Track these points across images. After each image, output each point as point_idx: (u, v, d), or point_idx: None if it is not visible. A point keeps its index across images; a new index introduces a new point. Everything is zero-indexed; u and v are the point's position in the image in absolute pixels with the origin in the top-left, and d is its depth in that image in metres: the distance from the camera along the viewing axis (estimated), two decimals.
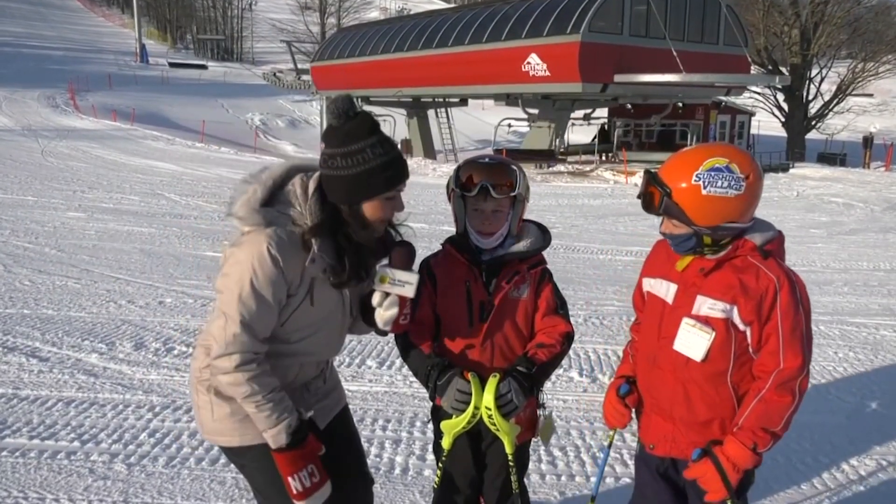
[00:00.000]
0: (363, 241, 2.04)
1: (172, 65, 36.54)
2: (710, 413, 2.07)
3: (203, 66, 36.65)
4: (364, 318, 2.22)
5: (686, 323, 2.04)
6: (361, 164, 1.93)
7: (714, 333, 2.00)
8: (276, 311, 1.97)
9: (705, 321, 2.01)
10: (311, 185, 2.01)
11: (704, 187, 1.90)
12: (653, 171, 2.03)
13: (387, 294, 2.09)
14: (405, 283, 2.07)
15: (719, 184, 1.90)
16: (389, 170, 1.97)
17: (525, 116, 25.32)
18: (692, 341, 2.03)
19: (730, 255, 2.01)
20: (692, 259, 2.06)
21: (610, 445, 2.47)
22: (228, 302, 1.92)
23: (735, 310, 1.98)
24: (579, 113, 26.82)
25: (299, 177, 2.04)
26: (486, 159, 2.25)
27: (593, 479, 3.50)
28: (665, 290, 2.14)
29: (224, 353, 1.92)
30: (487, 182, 2.17)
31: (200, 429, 2.19)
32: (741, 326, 1.99)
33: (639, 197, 2.07)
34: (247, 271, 1.90)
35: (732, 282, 1.99)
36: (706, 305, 2.01)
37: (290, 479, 2.00)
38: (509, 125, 26.97)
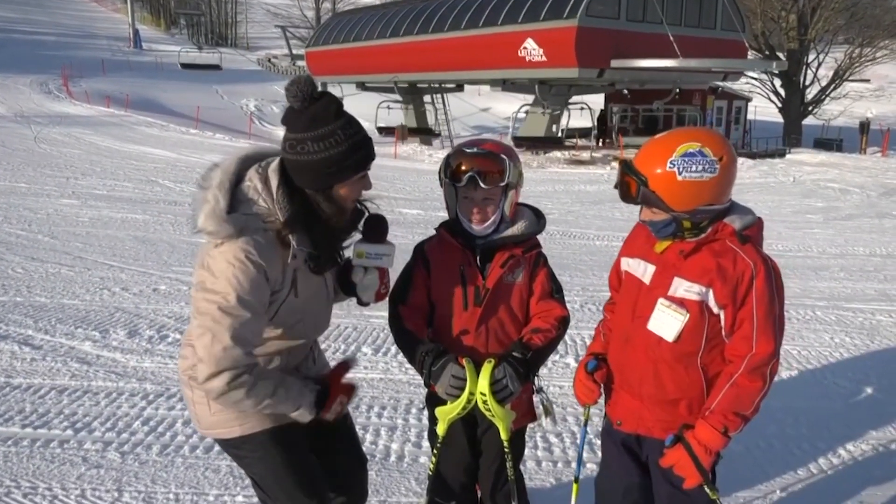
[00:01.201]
0: (336, 224, 2.00)
1: (185, 66, 35.15)
2: (679, 393, 2.10)
3: (217, 68, 35.57)
4: (342, 288, 2.21)
5: (661, 303, 2.06)
6: (334, 147, 1.88)
7: (688, 315, 2.02)
8: (263, 317, 1.93)
9: (680, 303, 2.04)
10: (273, 177, 1.93)
11: (679, 173, 1.92)
12: (627, 160, 2.04)
13: (366, 268, 2.12)
14: (382, 255, 2.12)
15: (693, 168, 1.92)
16: (361, 149, 1.94)
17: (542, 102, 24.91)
18: (666, 322, 2.05)
19: (709, 239, 2.03)
20: (672, 241, 2.08)
21: (586, 423, 2.48)
22: (213, 318, 1.84)
23: (710, 293, 2.00)
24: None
25: (254, 169, 1.96)
26: (475, 148, 2.19)
27: (590, 466, 3.49)
28: (642, 270, 2.16)
29: (214, 371, 1.84)
30: (476, 172, 2.14)
31: (197, 425, 2.15)
32: (715, 310, 2.02)
33: (616, 187, 2.07)
34: (228, 284, 1.83)
35: (710, 265, 2.01)
36: (682, 287, 2.04)
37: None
38: (526, 112, 26.51)
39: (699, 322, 2.02)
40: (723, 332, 2.04)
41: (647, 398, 2.15)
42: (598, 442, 3.66)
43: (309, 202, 1.95)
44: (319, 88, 1.93)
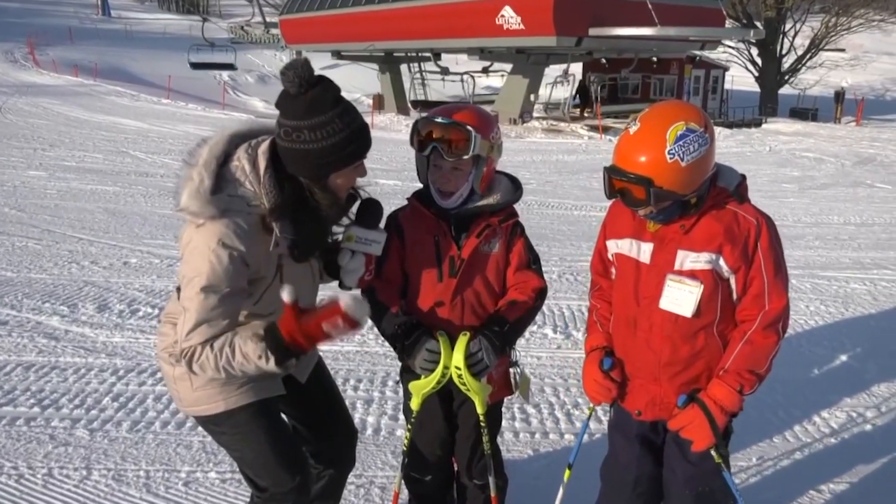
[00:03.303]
0: (328, 212, 1.93)
1: (195, 65, 33.27)
2: (701, 366, 2.04)
3: (232, 67, 34.11)
4: (326, 269, 2.15)
5: (671, 279, 1.99)
6: (331, 136, 1.80)
7: (702, 286, 1.95)
8: (239, 297, 1.87)
9: (691, 275, 1.97)
10: (262, 161, 1.86)
11: (682, 159, 1.84)
12: (615, 166, 1.91)
13: (353, 251, 2.05)
14: (372, 241, 2.06)
15: (692, 149, 1.84)
16: (359, 138, 1.87)
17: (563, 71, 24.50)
18: (680, 297, 1.98)
19: (708, 206, 1.97)
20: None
21: (590, 417, 2.40)
22: (189, 296, 1.81)
23: (721, 259, 1.95)
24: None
25: (243, 149, 1.88)
26: (440, 117, 2.09)
27: (567, 437, 3.49)
28: (637, 250, 2.07)
29: (187, 345, 1.82)
30: (439, 141, 2.05)
31: (179, 403, 2.10)
32: (725, 275, 1.97)
33: (610, 197, 1.97)
34: (205, 264, 1.79)
35: (716, 231, 1.95)
36: (689, 259, 1.97)
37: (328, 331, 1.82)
38: (559, 80, 25.65)
39: (714, 291, 1.97)
40: (734, 296, 1.99)
41: (668, 380, 2.07)
42: (580, 423, 3.66)
43: (300, 190, 1.88)
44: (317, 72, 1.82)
